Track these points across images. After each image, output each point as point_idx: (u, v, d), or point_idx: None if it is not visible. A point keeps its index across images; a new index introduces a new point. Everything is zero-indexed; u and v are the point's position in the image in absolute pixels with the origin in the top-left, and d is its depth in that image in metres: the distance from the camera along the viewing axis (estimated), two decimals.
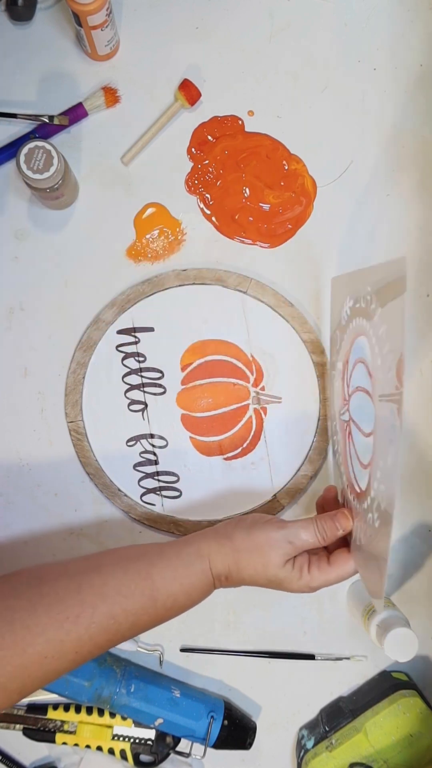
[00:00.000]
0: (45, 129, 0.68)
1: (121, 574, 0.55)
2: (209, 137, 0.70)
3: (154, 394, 0.69)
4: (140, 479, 0.69)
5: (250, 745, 0.67)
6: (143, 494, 0.69)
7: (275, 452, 0.70)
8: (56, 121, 0.67)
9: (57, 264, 0.69)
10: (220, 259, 0.70)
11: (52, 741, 0.66)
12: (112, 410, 0.69)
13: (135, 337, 0.69)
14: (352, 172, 0.71)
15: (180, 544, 0.59)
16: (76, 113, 0.68)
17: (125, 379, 0.69)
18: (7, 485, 0.69)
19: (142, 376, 0.69)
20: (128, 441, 0.69)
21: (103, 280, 0.69)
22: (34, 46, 0.69)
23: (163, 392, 0.69)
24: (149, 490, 0.69)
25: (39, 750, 0.69)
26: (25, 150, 0.61)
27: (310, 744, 0.68)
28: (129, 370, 0.69)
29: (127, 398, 0.69)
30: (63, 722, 0.66)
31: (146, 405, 0.69)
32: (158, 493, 0.69)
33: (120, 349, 0.69)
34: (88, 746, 0.66)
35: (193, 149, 0.70)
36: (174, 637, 0.70)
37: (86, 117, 0.69)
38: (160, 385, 0.69)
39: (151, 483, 0.69)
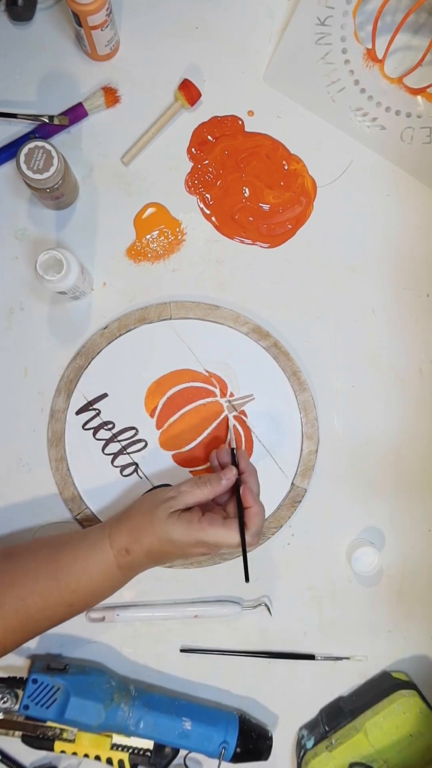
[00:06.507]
0: (45, 129, 0.68)
1: (30, 559, 0.60)
2: (209, 137, 0.70)
3: (138, 450, 0.69)
4: None
5: (267, 757, 0.67)
6: None
7: (272, 444, 0.70)
8: (56, 121, 0.67)
9: None
10: (220, 259, 0.70)
11: (51, 749, 0.65)
12: (109, 484, 0.69)
13: (94, 409, 0.69)
14: (352, 172, 0.71)
15: (88, 528, 0.63)
16: (76, 113, 0.68)
17: (105, 451, 0.69)
18: (8, 485, 0.69)
19: (119, 441, 0.69)
20: None
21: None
22: (34, 46, 0.69)
23: (145, 445, 0.69)
24: None
25: (38, 752, 0.68)
26: (25, 150, 0.61)
27: (310, 744, 0.68)
28: (104, 440, 0.69)
29: (116, 466, 0.69)
30: (62, 730, 0.65)
31: (136, 464, 0.69)
32: None
33: (86, 427, 0.69)
34: (86, 755, 0.65)
35: (193, 149, 0.70)
36: (174, 638, 0.70)
37: (86, 117, 0.69)
38: (139, 440, 0.69)
39: None
